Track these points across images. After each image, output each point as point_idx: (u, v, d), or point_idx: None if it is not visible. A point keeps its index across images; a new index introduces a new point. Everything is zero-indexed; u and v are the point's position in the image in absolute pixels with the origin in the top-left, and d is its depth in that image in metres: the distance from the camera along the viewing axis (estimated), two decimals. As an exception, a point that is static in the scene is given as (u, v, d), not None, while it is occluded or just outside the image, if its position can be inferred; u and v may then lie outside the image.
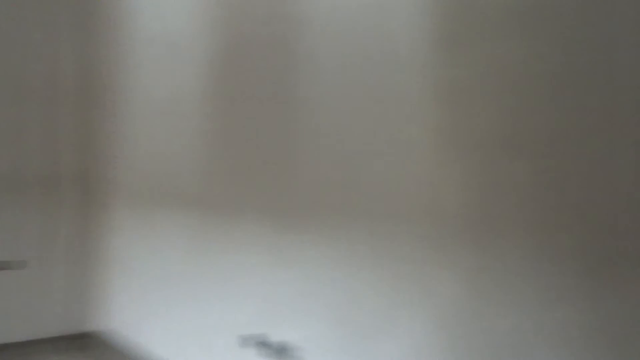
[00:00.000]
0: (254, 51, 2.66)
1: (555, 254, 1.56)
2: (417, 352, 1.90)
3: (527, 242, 1.62)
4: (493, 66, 1.74)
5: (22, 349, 3.53)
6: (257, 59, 2.64)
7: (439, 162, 1.88)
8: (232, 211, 2.72)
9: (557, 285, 1.55)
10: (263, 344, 2.50)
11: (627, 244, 1.41)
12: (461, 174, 1.81)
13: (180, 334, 3.01)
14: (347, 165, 2.19)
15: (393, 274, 2.00)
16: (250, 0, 2.68)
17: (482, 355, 1.72)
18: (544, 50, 1.61)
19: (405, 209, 1.97)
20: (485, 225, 1.73)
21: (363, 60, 2.15)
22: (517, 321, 1.64)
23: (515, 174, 1.66)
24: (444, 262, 1.83)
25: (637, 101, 1.41)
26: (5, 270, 3.48)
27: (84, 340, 3.77)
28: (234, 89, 2.76)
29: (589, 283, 1.48)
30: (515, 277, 1.65)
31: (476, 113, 1.78)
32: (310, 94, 2.37)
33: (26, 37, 3.56)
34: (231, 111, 2.77)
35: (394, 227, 2.00)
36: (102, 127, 3.79)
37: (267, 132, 2.57)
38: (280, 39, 2.52)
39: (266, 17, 2.60)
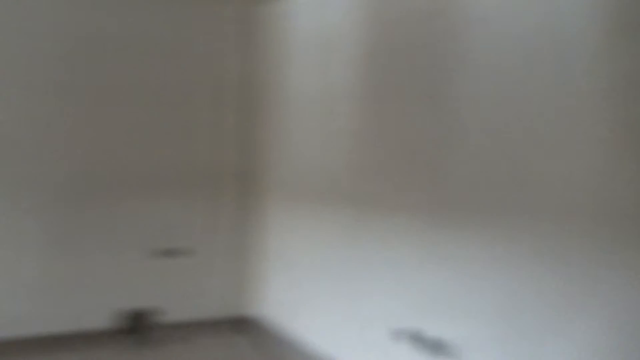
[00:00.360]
0: (407, 48, 2.67)
1: None
2: (588, 357, 1.80)
3: None
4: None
5: (187, 328, 3.89)
6: (410, 56, 2.65)
7: (615, 157, 1.75)
8: (385, 207, 2.77)
9: None
10: (417, 339, 2.51)
11: None
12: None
13: (333, 323, 3.13)
14: (507, 161, 2.13)
15: (560, 275, 1.91)
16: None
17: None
18: None
19: (573, 207, 1.87)
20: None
21: (526, 55, 2.07)
22: None
23: None
24: (622, 265, 1.71)
25: None
26: (175, 256, 3.85)
27: (241, 324, 4.06)
28: (387, 86, 2.80)
29: None
30: None
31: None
32: (468, 90, 2.33)
33: (194, 48, 3.91)
34: (384, 108, 2.81)
35: (559, 225, 1.91)
36: (261, 127, 4.05)
37: (420, 128, 2.57)
38: (435, 36, 2.50)
39: (420, 15, 2.60)
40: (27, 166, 3.43)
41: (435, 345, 2.42)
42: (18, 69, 3.40)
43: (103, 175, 3.64)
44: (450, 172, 2.40)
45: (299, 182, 3.56)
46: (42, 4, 3.44)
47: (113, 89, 3.65)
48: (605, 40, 1.81)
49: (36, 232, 3.47)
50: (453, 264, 2.36)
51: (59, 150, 3.51)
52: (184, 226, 3.90)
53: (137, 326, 3.77)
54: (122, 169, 3.69)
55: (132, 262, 3.74)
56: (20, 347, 3.40)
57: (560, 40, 1.95)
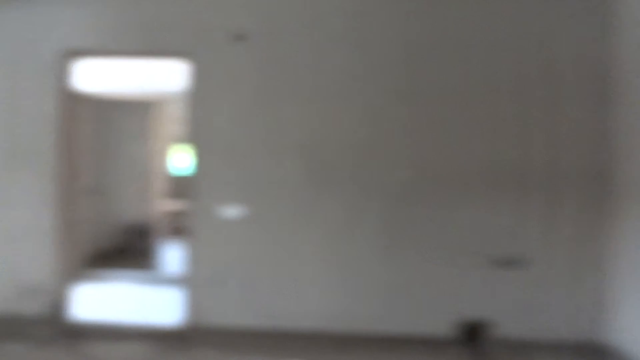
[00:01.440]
0: None
1: None
2: None
3: None
4: None
5: (524, 347, 3.57)
6: None
7: None
8: None
9: None
10: None
11: None
12: None
13: None
14: None
15: None
16: None
17: None
18: None
19: None
20: None
21: None
22: None
23: None
24: None
25: None
26: (511, 266, 3.58)
27: (590, 350, 3.54)
28: None
29: None
30: None
31: None
32: None
33: (535, 39, 3.64)
34: None
35: None
36: (615, 117, 3.51)
37: None
38: None
39: None
40: (370, 171, 3.65)
41: None
42: (363, 80, 3.65)
43: (440, 179, 3.64)
44: None
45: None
46: (380, 16, 3.65)
47: (452, 90, 3.65)
48: None
49: (379, 234, 3.65)
50: None
51: (398, 155, 3.65)
52: (521, 234, 3.64)
53: (472, 337, 3.60)
54: (458, 173, 3.64)
55: (466, 270, 3.64)
56: (358, 342, 3.61)
57: None
